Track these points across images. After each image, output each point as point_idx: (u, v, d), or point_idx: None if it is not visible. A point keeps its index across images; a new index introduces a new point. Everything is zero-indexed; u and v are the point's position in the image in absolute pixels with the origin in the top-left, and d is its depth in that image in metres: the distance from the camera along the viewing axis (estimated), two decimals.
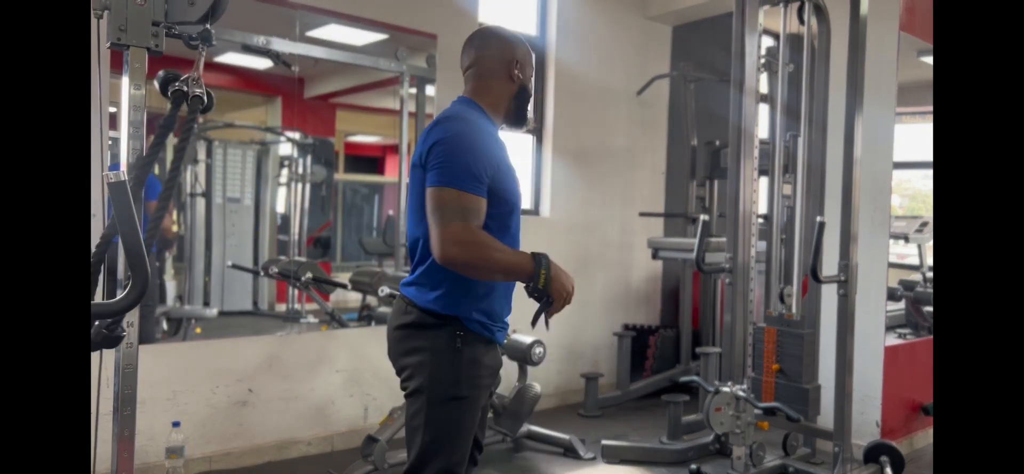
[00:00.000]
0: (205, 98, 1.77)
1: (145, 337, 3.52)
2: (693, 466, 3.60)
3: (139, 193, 1.70)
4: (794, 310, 3.52)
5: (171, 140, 3.75)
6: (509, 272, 1.85)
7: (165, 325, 3.72)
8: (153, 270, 3.41)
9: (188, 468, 3.49)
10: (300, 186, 4.25)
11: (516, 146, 5.13)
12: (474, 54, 2.02)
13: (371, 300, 4.22)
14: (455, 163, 1.79)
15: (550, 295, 1.87)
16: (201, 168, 3.87)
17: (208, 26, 1.73)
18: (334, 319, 4.22)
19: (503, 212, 1.92)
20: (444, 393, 1.86)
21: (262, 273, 4.05)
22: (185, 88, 1.75)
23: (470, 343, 1.89)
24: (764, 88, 3.92)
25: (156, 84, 1.77)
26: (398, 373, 1.95)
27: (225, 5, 1.73)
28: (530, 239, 5.31)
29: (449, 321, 1.88)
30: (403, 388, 1.93)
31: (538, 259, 1.86)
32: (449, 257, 1.76)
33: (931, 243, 4.68)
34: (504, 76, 2.01)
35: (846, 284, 3.45)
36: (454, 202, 1.77)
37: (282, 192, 4.27)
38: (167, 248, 3.85)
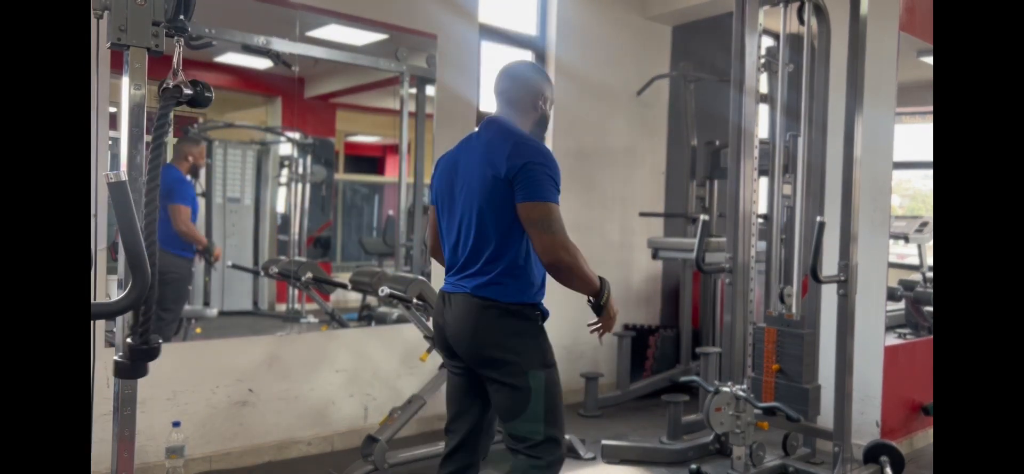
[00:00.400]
0: (196, 92, 1.76)
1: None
2: (693, 466, 3.60)
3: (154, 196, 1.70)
4: (794, 310, 3.52)
5: (171, 141, 3.76)
6: (587, 283, 2.20)
7: None
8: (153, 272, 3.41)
9: (188, 468, 3.49)
10: (300, 186, 4.25)
11: None
12: (508, 82, 2.37)
13: (371, 300, 4.22)
14: (552, 182, 2.15)
15: (610, 314, 2.29)
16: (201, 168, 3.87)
17: (181, 17, 1.72)
18: (334, 319, 4.22)
19: None
20: (545, 363, 2.25)
21: (262, 273, 4.05)
22: (170, 85, 1.74)
23: (543, 324, 2.30)
24: (764, 88, 3.92)
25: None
26: (486, 362, 2.23)
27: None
28: None
29: (532, 309, 2.25)
30: (493, 373, 2.22)
31: (604, 283, 2.27)
32: (557, 259, 2.11)
33: (931, 243, 4.68)
34: (531, 106, 2.35)
35: (846, 284, 3.45)
36: (556, 215, 2.13)
37: (282, 192, 4.27)
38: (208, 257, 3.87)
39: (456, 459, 2.37)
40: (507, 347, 2.20)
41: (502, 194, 2.15)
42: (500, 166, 2.15)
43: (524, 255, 2.21)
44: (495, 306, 2.19)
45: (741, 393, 3.20)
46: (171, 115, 1.78)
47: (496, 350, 2.21)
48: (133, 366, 1.69)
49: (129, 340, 1.68)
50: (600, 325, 2.32)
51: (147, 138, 1.72)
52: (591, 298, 2.27)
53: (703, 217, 4.02)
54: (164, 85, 1.74)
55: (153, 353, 1.69)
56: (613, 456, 3.88)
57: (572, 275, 2.15)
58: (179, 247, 3.70)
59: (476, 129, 2.41)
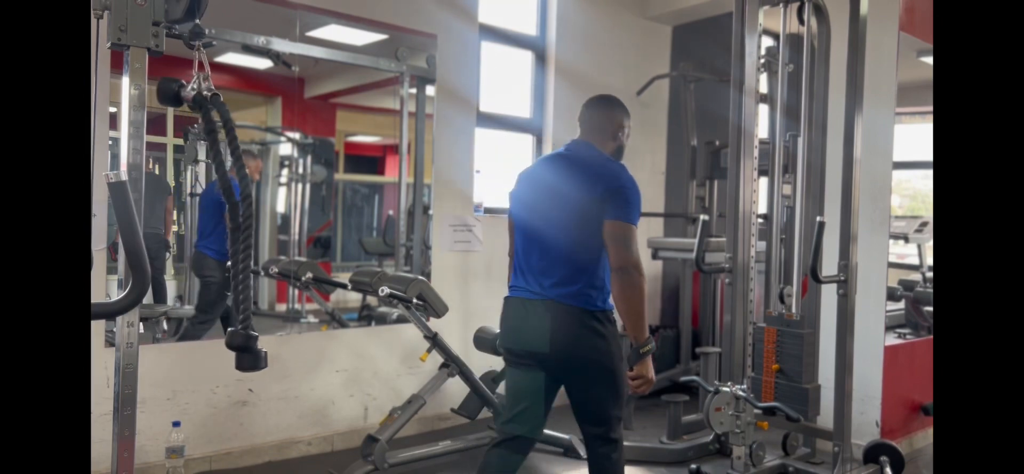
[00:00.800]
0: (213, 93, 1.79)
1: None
2: (693, 466, 3.60)
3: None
4: (794, 310, 3.52)
5: (170, 141, 3.76)
6: (640, 318, 2.42)
7: (165, 325, 3.72)
8: (154, 269, 3.43)
9: (188, 468, 3.49)
10: (300, 186, 4.25)
11: (516, 146, 5.13)
12: (593, 112, 2.64)
13: (371, 300, 4.22)
14: (636, 209, 2.43)
15: (647, 371, 2.48)
16: (201, 168, 3.86)
17: (197, 21, 1.73)
18: (334, 319, 4.22)
19: None
20: (620, 361, 2.49)
21: (262, 273, 4.05)
22: (204, 91, 1.76)
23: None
24: (764, 88, 3.92)
25: (159, 94, 1.77)
26: (575, 362, 2.48)
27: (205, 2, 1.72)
28: None
29: (611, 316, 2.49)
30: (581, 371, 2.48)
31: (651, 338, 2.49)
32: (629, 275, 2.37)
33: (931, 243, 4.68)
34: (611, 136, 2.62)
35: (846, 284, 3.45)
36: (635, 237, 2.41)
37: (282, 192, 4.27)
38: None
39: (510, 446, 2.60)
40: (596, 348, 2.45)
41: (593, 212, 2.40)
42: (594, 186, 2.42)
43: (604, 268, 2.46)
44: (585, 313, 2.43)
45: (741, 393, 3.20)
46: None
47: (586, 351, 2.45)
48: (253, 356, 1.77)
49: (240, 328, 1.75)
50: (640, 380, 2.48)
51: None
52: (634, 342, 2.44)
53: (703, 217, 4.02)
54: (196, 91, 1.75)
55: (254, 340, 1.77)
56: None
57: (635, 295, 2.38)
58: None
59: (560, 149, 2.66)
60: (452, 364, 3.78)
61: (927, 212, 4.99)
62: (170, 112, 3.72)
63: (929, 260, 4.83)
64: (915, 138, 4.51)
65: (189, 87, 1.76)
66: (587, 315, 2.44)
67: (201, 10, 1.73)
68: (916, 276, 4.84)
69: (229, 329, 1.81)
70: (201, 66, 1.76)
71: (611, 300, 2.47)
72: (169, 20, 1.72)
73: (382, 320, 4.29)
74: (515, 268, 2.62)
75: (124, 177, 1.40)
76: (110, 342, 3.27)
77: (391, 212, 4.51)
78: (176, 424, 3.35)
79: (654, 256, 5.12)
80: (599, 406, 2.53)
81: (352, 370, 4.10)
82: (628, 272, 2.36)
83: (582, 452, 3.89)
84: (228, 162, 1.77)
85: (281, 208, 4.28)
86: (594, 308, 2.45)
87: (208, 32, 1.79)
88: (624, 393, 2.54)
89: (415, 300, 3.54)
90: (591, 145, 2.59)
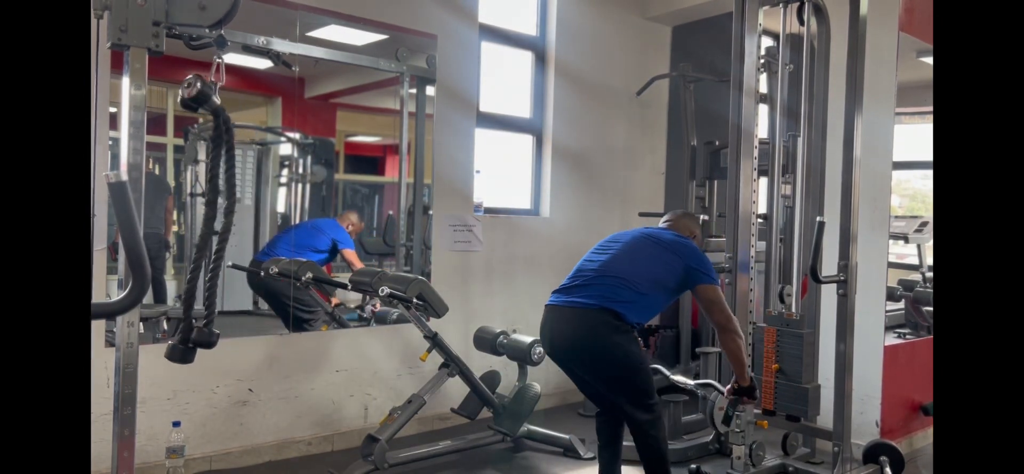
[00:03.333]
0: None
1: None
2: (693, 466, 3.60)
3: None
4: (794, 309, 3.52)
5: (170, 141, 3.76)
6: (742, 366, 3.07)
7: (165, 325, 3.72)
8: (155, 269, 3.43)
9: (188, 468, 3.49)
10: (300, 186, 4.25)
11: (515, 146, 5.13)
12: (680, 218, 3.36)
13: (371, 300, 4.22)
14: (715, 273, 3.06)
15: (745, 405, 3.24)
16: (201, 168, 3.86)
17: (222, 32, 1.74)
18: (334, 319, 4.22)
19: None
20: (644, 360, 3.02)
21: (262, 273, 4.05)
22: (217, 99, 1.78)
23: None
24: (764, 88, 3.92)
25: (182, 98, 1.78)
26: (602, 360, 2.94)
27: (237, 9, 1.74)
28: (529, 239, 5.31)
29: (634, 327, 2.98)
30: (611, 368, 2.94)
31: (754, 382, 3.19)
32: (732, 329, 2.99)
33: (931, 243, 4.68)
34: (690, 234, 3.25)
35: (846, 284, 3.45)
36: (722, 296, 3.04)
37: (282, 192, 4.27)
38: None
39: (608, 416, 3.13)
40: (621, 351, 2.94)
41: (656, 250, 3.07)
42: (678, 254, 3.04)
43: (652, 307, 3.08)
44: (619, 320, 2.92)
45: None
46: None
47: (613, 349, 2.93)
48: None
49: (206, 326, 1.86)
50: (745, 404, 3.21)
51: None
52: (736, 384, 3.12)
53: (703, 217, 4.02)
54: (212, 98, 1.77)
55: None
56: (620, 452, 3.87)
57: (738, 349, 3.01)
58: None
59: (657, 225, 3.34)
60: (452, 364, 3.78)
61: (927, 212, 4.99)
62: (170, 112, 3.72)
63: (929, 260, 4.83)
64: (915, 138, 4.51)
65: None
66: (616, 320, 2.93)
67: (230, 19, 1.74)
68: (916, 276, 4.84)
69: (198, 326, 1.96)
70: (218, 72, 1.77)
71: (637, 318, 2.97)
72: (189, 24, 1.74)
73: (382, 320, 4.29)
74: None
75: (124, 177, 1.40)
76: (110, 342, 3.27)
77: (391, 212, 4.51)
78: (176, 424, 3.35)
79: None
80: (630, 383, 3.02)
81: (352, 370, 4.10)
82: (729, 331, 2.98)
83: (582, 452, 3.90)
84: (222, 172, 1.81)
85: (281, 208, 4.28)
86: (625, 318, 2.93)
87: (208, 32, 1.79)
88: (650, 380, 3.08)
89: (415, 300, 3.54)
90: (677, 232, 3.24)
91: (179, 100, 1.78)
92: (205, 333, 1.87)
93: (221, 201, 1.83)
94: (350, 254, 4.26)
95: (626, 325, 2.92)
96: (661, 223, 3.38)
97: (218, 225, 1.84)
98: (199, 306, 1.98)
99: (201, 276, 1.87)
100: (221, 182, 1.81)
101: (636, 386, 2.94)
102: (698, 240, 3.29)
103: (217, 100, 1.77)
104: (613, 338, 2.90)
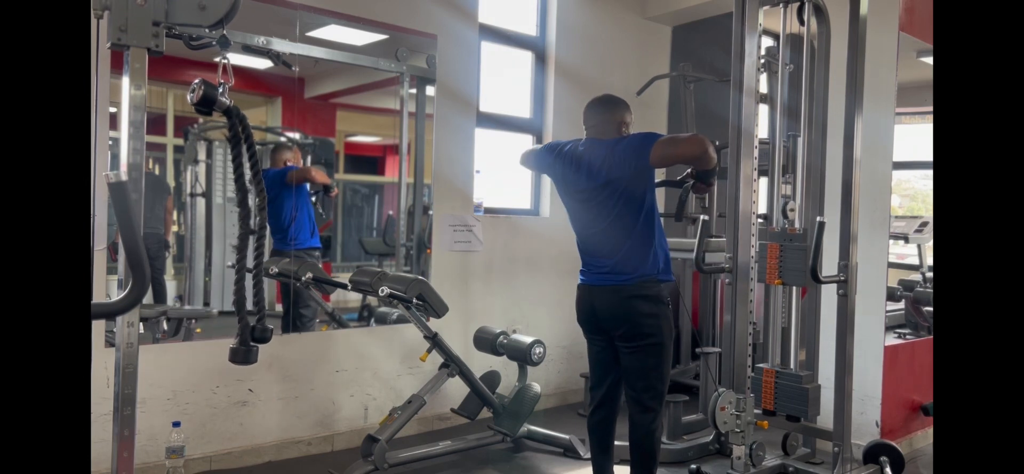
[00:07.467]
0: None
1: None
2: (693, 466, 3.60)
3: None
4: (797, 225, 3.50)
5: (170, 141, 3.76)
6: (705, 151, 2.92)
7: (165, 325, 3.72)
8: (154, 269, 3.44)
9: (188, 468, 3.49)
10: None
11: (516, 146, 5.13)
12: (598, 113, 3.03)
13: (371, 300, 4.22)
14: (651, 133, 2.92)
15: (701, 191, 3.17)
16: (201, 168, 3.86)
17: (224, 32, 1.75)
18: (334, 319, 4.22)
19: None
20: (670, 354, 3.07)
21: (262, 273, 4.05)
22: (229, 101, 1.80)
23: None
24: (764, 88, 3.92)
25: (192, 102, 1.79)
26: (629, 326, 2.94)
27: (237, 9, 1.74)
28: (530, 239, 5.30)
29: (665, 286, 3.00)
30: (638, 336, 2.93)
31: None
32: (698, 139, 2.91)
33: (931, 243, 4.68)
34: (615, 131, 3.00)
35: (846, 284, 3.45)
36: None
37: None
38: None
39: (605, 407, 3.09)
40: (647, 320, 2.96)
41: (632, 182, 2.87)
42: (621, 160, 2.84)
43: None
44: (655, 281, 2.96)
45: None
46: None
47: (639, 318, 2.94)
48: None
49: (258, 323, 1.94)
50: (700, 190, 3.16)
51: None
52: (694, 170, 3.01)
53: (703, 217, 4.01)
54: (223, 98, 1.78)
55: None
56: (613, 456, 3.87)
57: (704, 140, 2.85)
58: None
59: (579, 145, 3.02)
60: (452, 364, 3.78)
61: (927, 212, 4.99)
62: (170, 112, 3.72)
63: (929, 260, 4.83)
64: (915, 138, 4.51)
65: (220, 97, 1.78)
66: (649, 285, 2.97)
67: (230, 19, 1.75)
68: (916, 276, 4.84)
69: (257, 325, 1.97)
70: (225, 73, 1.78)
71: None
72: (190, 24, 1.74)
73: (382, 320, 4.29)
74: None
75: (124, 177, 1.41)
76: (110, 342, 3.27)
77: (391, 212, 4.51)
78: (176, 424, 3.35)
79: None
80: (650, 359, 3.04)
81: (352, 370, 4.10)
82: (695, 141, 2.86)
83: (582, 452, 3.90)
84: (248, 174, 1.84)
85: None
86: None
87: (207, 32, 1.79)
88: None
89: (415, 300, 3.54)
90: (602, 141, 2.95)
91: (191, 104, 1.79)
92: (260, 329, 1.95)
93: (252, 201, 1.85)
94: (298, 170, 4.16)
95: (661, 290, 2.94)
96: (587, 133, 3.08)
97: (252, 223, 1.88)
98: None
99: (245, 277, 1.93)
100: (248, 181, 1.83)
101: (662, 373, 2.97)
102: (627, 124, 3.04)
103: (226, 100, 1.77)
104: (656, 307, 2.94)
